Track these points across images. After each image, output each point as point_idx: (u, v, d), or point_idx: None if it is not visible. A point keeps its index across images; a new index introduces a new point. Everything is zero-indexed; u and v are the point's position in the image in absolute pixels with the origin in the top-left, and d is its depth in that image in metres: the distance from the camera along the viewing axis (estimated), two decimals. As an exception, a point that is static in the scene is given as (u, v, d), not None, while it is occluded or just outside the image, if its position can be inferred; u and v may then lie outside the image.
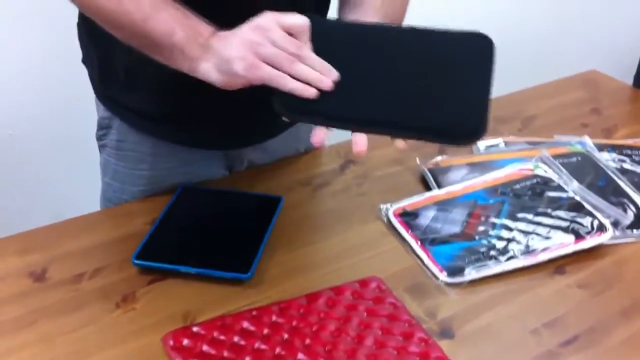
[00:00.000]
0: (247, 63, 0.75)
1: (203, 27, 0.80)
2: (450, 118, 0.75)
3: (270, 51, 0.75)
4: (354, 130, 0.75)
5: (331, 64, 0.76)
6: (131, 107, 1.03)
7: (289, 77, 0.75)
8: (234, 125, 1.04)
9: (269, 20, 0.76)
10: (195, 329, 0.79)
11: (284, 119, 0.77)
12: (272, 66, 0.75)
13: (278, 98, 0.75)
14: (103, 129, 1.08)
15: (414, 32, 0.81)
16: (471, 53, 0.80)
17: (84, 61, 1.06)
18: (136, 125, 1.04)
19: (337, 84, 0.76)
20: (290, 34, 0.77)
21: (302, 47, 0.76)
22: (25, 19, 1.56)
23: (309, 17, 0.78)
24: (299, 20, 0.77)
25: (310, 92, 0.75)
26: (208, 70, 0.79)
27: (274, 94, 0.75)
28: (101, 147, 1.11)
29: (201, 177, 1.09)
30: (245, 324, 0.80)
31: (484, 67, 0.79)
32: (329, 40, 0.79)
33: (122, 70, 0.98)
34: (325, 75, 0.76)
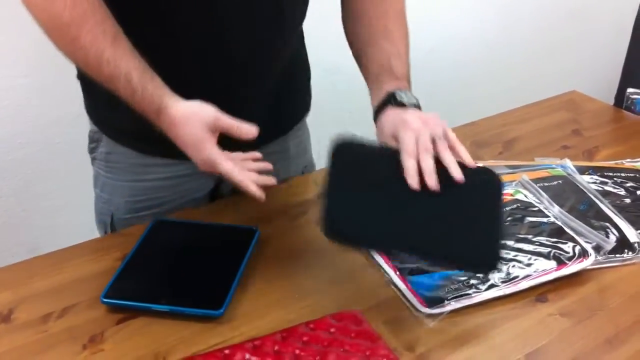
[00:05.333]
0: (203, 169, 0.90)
1: (151, 108, 0.87)
2: (471, 253, 0.82)
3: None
4: (387, 252, 0.85)
5: (358, 192, 0.84)
6: (114, 124, 1.05)
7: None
8: None
9: (213, 159, 0.87)
10: (165, 370, 0.76)
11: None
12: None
13: (324, 225, 0.81)
14: (94, 142, 1.11)
15: None
16: (480, 188, 0.86)
17: (77, 76, 1.06)
18: (121, 140, 1.06)
19: (372, 213, 0.82)
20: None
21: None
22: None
23: (338, 140, 0.87)
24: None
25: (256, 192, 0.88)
26: None
27: (321, 220, 0.81)
28: (92, 160, 1.13)
29: (187, 190, 1.10)
30: (218, 364, 0.77)
31: (494, 203, 0.86)
32: (354, 163, 0.87)
33: (105, 90, 0.98)
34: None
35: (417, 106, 0.94)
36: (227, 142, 1.02)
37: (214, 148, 0.87)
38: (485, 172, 0.89)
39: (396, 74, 0.97)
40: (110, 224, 1.12)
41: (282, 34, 1.02)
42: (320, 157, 1.27)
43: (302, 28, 1.12)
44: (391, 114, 0.93)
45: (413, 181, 0.83)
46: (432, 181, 0.83)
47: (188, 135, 0.87)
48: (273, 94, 1.07)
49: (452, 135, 0.88)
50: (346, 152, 0.88)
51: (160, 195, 1.09)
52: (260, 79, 1.02)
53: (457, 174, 0.84)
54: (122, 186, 1.09)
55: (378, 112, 0.95)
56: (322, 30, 1.17)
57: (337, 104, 1.26)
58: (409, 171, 0.84)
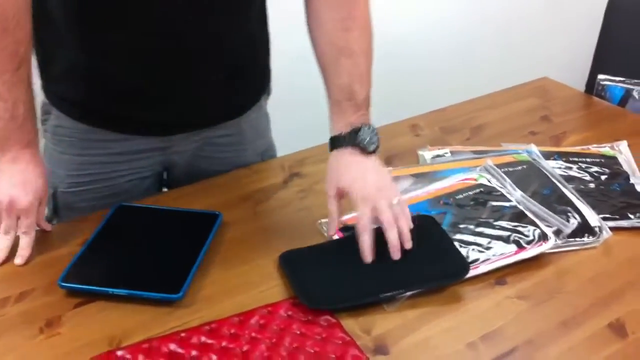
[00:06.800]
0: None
1: (23, 137, 0.92)
2: (444, 267, 0.91)
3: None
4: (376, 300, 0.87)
5: (322, 273, 0.91)
6: (66, 97, 1.07)
7: None
8: (165, 108, 1.05)
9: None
10: (119, 352, 0.77)
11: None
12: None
13: (302, 298, 0.86)
14: (45, 114, 1.12)
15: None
16: (421, 227, 0.96)
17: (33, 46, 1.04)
18: (71, 113, 1.07)
19: (344, 281, 0.90)
20: None
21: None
22: None
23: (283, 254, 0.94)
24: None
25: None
26: None
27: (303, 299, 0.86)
28: (44, 132, 1.14)
29: (133, 169, 1.11)
30: (173, 346, 0.78)
31: (439, 228, 0.97)
32: (303, 260, 0.94)
33: (61, 65, 1.01)
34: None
35: (374, 145, 0.97)
36: (179, 121, 1.06)
37: None
38: (423, 216, 1.00)
39: (357, 100, 0.98)
40: (52, 195, 1.11)
41: (219, 19, 1.01)
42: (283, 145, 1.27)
43: (263, 12, 1.11)
44: (347, 160, 0.97)
45: (366, 256, 0.91)
46: (397, 254, 0.91)
47: (32, 175, 0.94)
48: (224, 76, 1.06)
49: (403, 202, 0.96)
50: (293, 257, 0.94)
51: (104, 171, 1.10)
52: (204, 60, 1.02)
53: (409, 245, 0.92)
54: (67, 159, 1.10)
55: (335, 144, 0.99)
56: (289, 18, 1.16)
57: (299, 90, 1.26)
58: (363, 246, 0.91)
